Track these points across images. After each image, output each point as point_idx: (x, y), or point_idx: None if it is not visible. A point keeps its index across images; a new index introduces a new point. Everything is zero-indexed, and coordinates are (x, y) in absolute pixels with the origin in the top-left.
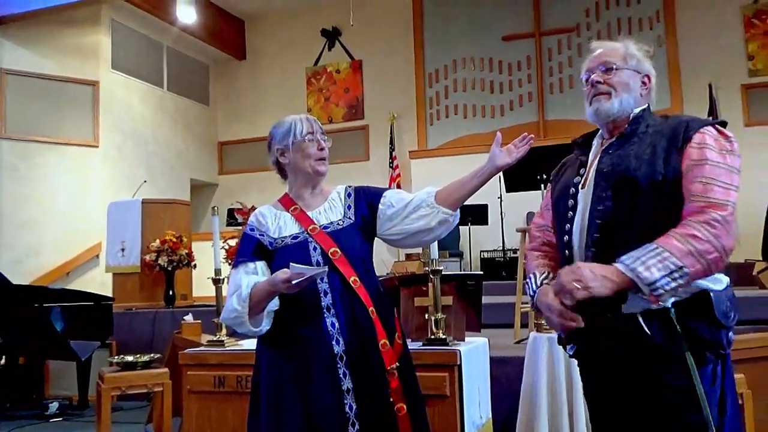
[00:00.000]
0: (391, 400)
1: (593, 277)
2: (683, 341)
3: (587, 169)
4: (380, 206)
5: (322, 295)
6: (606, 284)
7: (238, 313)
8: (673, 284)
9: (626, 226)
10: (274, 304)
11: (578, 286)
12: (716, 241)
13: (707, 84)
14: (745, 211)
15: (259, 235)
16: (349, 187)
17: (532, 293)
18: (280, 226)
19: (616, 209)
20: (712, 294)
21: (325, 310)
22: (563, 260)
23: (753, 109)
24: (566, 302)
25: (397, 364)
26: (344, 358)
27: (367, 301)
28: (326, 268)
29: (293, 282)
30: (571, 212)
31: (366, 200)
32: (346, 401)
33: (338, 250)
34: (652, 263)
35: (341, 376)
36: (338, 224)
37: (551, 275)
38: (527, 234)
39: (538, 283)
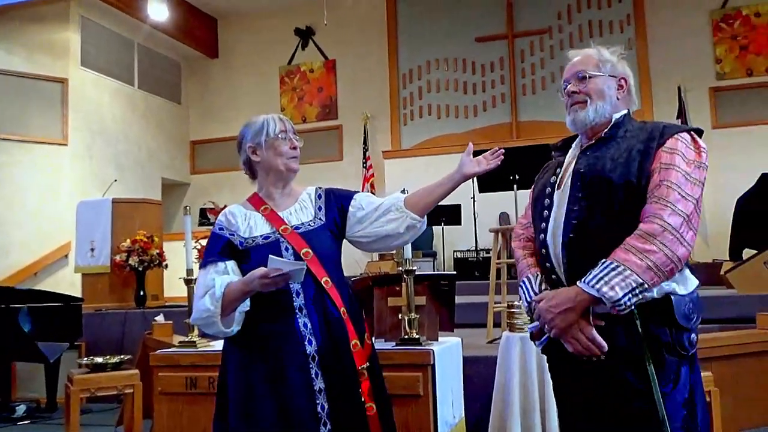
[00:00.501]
0: (362, 399)
1: (553, 316)
2: (644, 344)
3: (563, 169)
4: (350, 208)
5: (294, 295)
6: (567, 317)
7: (210, 313)
8: (635, 299)
9: (600, 227)
10: (245, 305)
11: (552, 332)
12: (671, 252)
13: (676, 87)
14: (713, 212)
15: (229, 234)
16: (320, 188)
17: (528, 299)
18: (251, 225)
19: (590, 210)
20: (673, 298)
21: (297, 311)
22: (541, 258)
23: (720, 112)
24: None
25: (367, 364)
26: (316, 358)
27: (339, 301)
28: (305, 264)
29: (270, 276)
30: (546, 211)
31: (336, 202)
32: (318, 401)
33: (310, 250)
34: (615, 282)
35: (313, 376)
36: (309, 225)
37: (542, 277)
38: (499, 234)
39: (535, 289)
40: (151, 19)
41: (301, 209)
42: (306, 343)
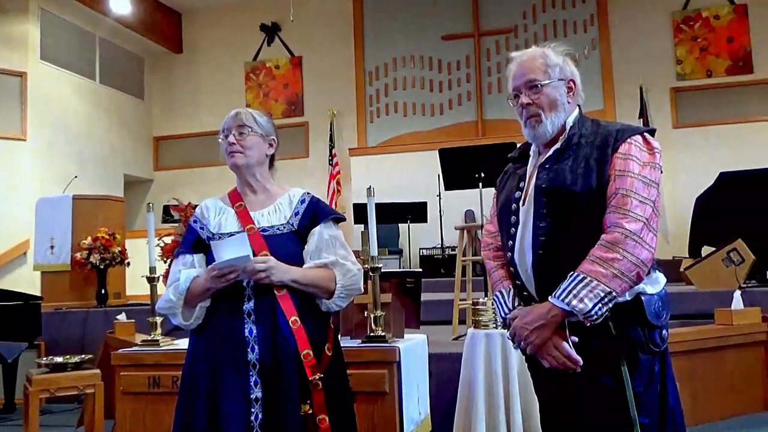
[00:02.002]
0: (311, 412)
1: (528, 333)
2: (616, 344)
3: (526, 183)
4: (315, 229)
5: (245, 300)
6: (542, 333)
7: (172, 304)
8: (604, 308)
9: (567, 242)
10: (207, 300)
11: (527, 349)
12: (634, 258)
13: (638, 86)
14: (673, 210)
15: (200, 227)
16: (307, 194)
17: (503, 315)
18: (221, 221)
19: (557, 225)
20: (643, 298)
21: (245, 316)
22: (511, 275)
23: (681, 112)
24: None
25: (320, 375)
26: (257, 366)
27: (290, 310)
28: (245, 234)
29: (217, 266)
30: (513, 228)
31: (312, 213)
32: (253, 410)
33: (268, 253)
34: (583, 294)
35: (252, 384)
36: (278, 229)
37: (515, 292)
38: (464, 232)
39: (509, 305)
40: (114, 13)
41: (275, 211)
42: (249, 349)
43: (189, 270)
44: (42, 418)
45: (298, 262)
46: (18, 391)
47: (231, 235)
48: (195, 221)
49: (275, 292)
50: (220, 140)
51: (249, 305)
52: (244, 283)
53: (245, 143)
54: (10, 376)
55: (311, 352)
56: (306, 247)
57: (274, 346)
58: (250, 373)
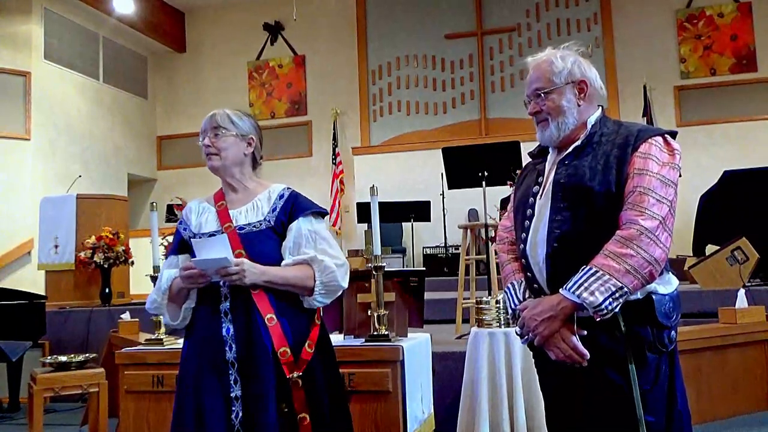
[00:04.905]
0: (287, 410)
1: (537, 324)
2: (625, 342)
3: (545, 178)
4: (293, 224)
5: (222, 299)
6: (550, 325)
7: (157, 303)
8: (615, 303)
9: (583, 236)
10: (191, 301)
11: (534, 340)
12: (648, 255)
13: (642, 85)
14: (677, 209)
15: (183, 229)
16: (287, 189)
17: (513, 307)
18: (201, 222)
19: (573, 220)
20: (654, 297)
21: (222, 315)
22: (523, 267)
23: (684, 110)
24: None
25: (299, 373)
26: (236, 365)
27: (266, 308)
28: (225, 236)
29: (194, 264)
30: (528, 221)
31: (291, 208)
32: (233, 408)
33: (243, 252)
34: (595, 287)
35: (232, 383)
36: (254, 227)
37: (526, 284)
38: (468, 231)
39: (519, 297)
40: (117, 12)
41: (252, 209)
42: (227, 348)
43: (171, 270)
44: (46, 417)
45: (275, 258)
46: (22, 390)
47: (212, 235)
48: (180, 223)
49: (250, 290)
50: (199, 143)
51: (225, 305)
52: (221, 283)
53: (220, 145)
54: (14, 375)
55: (288, 350)
56: (284, 242)
57: (249, 344)
58: (230, 372)
